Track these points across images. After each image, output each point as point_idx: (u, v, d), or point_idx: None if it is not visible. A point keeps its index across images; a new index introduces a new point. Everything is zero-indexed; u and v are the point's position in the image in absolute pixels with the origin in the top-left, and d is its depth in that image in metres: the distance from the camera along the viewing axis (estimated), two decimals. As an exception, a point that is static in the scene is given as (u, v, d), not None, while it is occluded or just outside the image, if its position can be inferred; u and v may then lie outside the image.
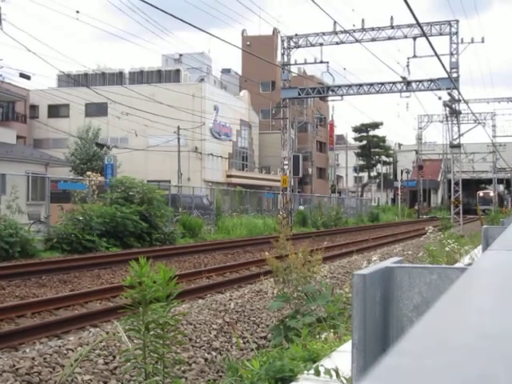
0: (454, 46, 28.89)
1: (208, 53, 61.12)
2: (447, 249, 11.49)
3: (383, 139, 74.25)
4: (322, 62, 31.04)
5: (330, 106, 65.03)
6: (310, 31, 32.41)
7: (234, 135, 52.77)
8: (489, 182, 70.56)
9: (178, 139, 41.89)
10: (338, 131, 75.90)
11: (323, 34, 29.93)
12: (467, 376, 0.45)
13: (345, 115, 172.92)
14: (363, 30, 29.02)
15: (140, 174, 36.14)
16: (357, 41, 28.40)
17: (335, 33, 29.31)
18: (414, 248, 19.59)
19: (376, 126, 72.72)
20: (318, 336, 5.50)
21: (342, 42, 29.63)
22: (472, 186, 70.15)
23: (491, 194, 70.37)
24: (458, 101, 30.86)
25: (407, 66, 29.32)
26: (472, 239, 18.11)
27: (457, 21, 28.90)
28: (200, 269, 14.55)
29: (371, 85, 30.11)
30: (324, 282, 7.28)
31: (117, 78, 52.88)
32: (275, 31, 56.38)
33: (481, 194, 73.96)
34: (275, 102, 47.63)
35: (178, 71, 53.64)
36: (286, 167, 31.50)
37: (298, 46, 30.89)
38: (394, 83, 29.60)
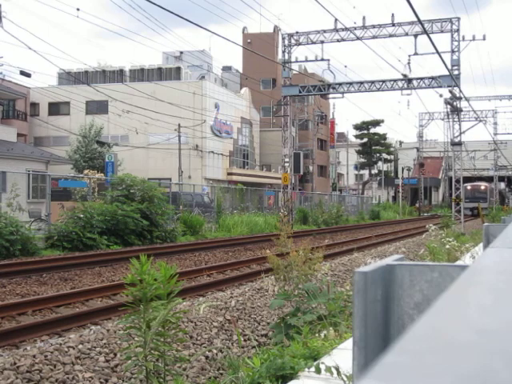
0: (456, 43, 28.86)
1: (208, 50, 61.14)
2: (447, 246, 11.48)
3: (384, 137, 74.20)
4: (322, 60, 31.01)
5: (331, 104, 65.02)
6: (310, 29, 32.36)
7: (235, 133, 52.76)
8: (490, 179, 69.77)
9: (179, 137, 41.89)
10: (338, 129, 76.03)
11: (324, 31, 29.90)
12: (467, 372, 0.45)
13: (346, 113, 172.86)
14: (364, 27, 28.99)
15: (141, 171, 36.20)
16: (358, 38, 28.36)
17: (336, 30, 29.28)
18: (416, 246, 19.60)
19: (377, 123, 72.67)
20: (318, 334, 5.51)
21: (343, 40, 29.59)
22: (473, 183, 69.64)
23: (482, 187, 61.30)
24: (459, 98, 30.82)
25: (408, 63, 29.31)
26: (473, 237, 18.13)
27: (458, 18, 28.85)
28: (201, 266, 14.56)
29: (372, 82, 30.09)
30: (325, 280, 7.28)
31: (117, 76, 52.89)
32: (276, 29, 56.35)
33: (468, 186, 57.62)
34: (276, 100, 47.61)
35: (178, 69, 53.63)
36: (286, 165, 31.49)
37: (299, 44, 30.86)
38: (395, 81, 29.56)
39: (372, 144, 72.57)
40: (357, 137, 75.32)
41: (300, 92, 31.76)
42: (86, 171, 30.61)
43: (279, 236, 7.60)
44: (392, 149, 78.07)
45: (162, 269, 4.51)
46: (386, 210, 55.51)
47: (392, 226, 38.50)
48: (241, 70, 60.69)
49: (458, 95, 30.35)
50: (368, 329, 1.04)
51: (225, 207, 30.75)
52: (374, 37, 28.97)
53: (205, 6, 36.51)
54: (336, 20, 28.17)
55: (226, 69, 60.05)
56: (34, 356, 6.05)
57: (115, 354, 6.43)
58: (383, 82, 29.75)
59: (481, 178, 73.13)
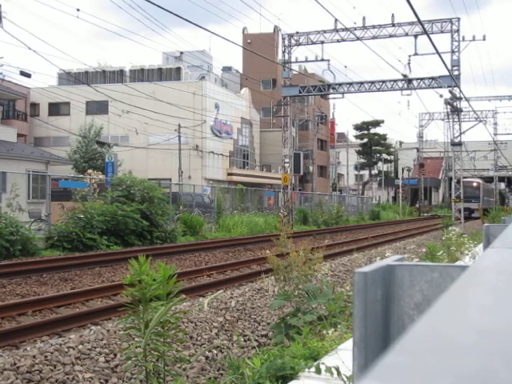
0: (455, 43, 28.86)
1: (208, 51, 61.15)
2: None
3: (384, 137, 74.19)
4: (322, 60, 31.02)
5: (331, 104, 65.02)
6: (310, 29, 32.34)
7: (235, 133, 52.76)
8: (490, 179, 69.63)
9: (179, 137, 41.89)
10: (338, 129, 75.97)
11: (324, 31, 29.90)
12: (467, 373, 0.45)
13: (346, 113, 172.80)
14: (364, 27, 28.99)
15: (141, 172, 36.21)
16: (358, 39, 28.36)
17: (336, 30, 29.28)
18: (416, 246, 19.60)
19: (377, 123, 72.64)
20: (319, 334, 5.50)
21: (343, 40, 29.59)
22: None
23: (474, 184, 57.10)
24: (459, 98, 30.82)
25: (408, 63, 29.31)
26: (473, 237, 18.10)
27: (458, 18, 28.86)
28: (201, 267, 14.56)
29: (372, 83, 30.09)
30: (325, 280, 7.28)
31: (117, 76, 52.90)
32: (276, 29, 56.35)
33: None
34: (276, 100, 47.59)
35: (178, 69, 53.63)
36: (286, 165, 31.49)
37: (299, 44, 30.86)
38: (395, 81, 29.56)
39: (372, 144, 72.55)
40: (357, 137, 75.29)
41: (300, 92, 31.76)
42: (89, 171, 30.60)
43: (279, 236, 7.60)
44: (392, 149, 78.04)
45: (160, 269, 4.50)
46: (385, 210, 55.52)
47: (392, 226, 38.51)
48: (241, 71, 60.70)
49: (458, 95, 30.34)
50: (368, 329, 1.04)
51: (225, 207, 30.74)
52: (374, 37, 28.97)
53: (204, 6, 36.67)
54: (336, 20, 28.18)
55: (226, 69, 60.05)
56: (34, 356, 6.05)
57: (115, 355, 6.43)
58: (383, 82, 29.75)
59: (480, 178, 72.44)
